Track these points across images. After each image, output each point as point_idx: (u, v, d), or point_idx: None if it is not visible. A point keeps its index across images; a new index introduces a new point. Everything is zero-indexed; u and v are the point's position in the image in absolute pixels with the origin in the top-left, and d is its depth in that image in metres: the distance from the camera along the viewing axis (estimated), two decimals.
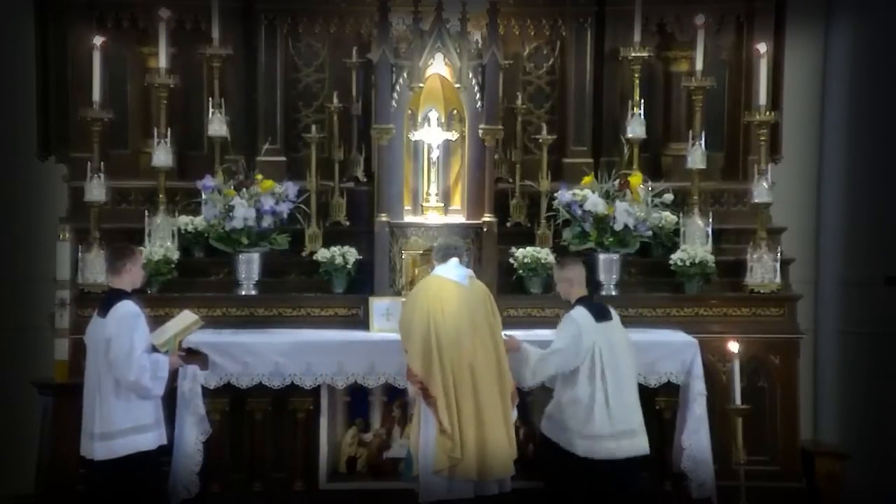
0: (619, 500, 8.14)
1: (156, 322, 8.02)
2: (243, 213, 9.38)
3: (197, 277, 9.60)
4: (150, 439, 7.66)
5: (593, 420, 8.06)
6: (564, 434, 8.17)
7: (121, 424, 7.54)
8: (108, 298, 7.73)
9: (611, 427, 8.06)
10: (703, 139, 9.84)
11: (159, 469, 8.07)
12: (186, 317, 8.13)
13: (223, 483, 8.84)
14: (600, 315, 8.26)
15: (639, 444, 8.19)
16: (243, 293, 9.48)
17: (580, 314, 8.23)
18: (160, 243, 9.41)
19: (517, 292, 9.58)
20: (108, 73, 9.75)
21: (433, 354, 8.01)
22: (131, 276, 7.82)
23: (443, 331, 8.03)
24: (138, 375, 7.50)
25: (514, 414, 8.32)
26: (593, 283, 9.28)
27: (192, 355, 8.06)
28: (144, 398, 7.62)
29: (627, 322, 9.32)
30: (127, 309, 7.60)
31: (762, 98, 9.76)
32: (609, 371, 8.10)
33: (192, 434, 8.54)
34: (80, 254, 9.27)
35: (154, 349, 7.70)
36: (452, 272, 8.28)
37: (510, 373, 8.20)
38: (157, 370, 7.61)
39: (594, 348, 8.11)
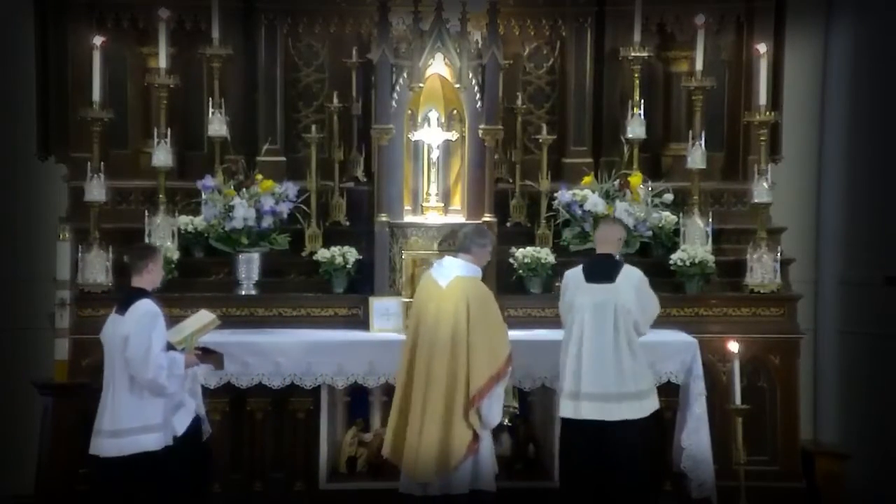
0: (593, 461, 8.03)
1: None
2: (243, 213, 9.39)
3: (197, 277, 9.60)
4: (157, 440, 7.64)
5: (566, 378, 8.03)
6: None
7: (131, 423, 7.53)
8: (127, 297, 7.72)
9: (575, 387, 7.96)
10: (703, 139, 9.82)
11: (163, 469, 8.06)
12: (203, 316, 8.09)
13: (223, 483, 8.83)
14: (596, 276, 8.14)
15: (619, 409, 7.97)
16: (243, 293, 9.47)
17: (571, 272, 8.27)
18: (160, 243, 9.39)
19: (517, 292, 9.56)
20: (108, 73, 9.74)
21: (402, 357, 8.10)
22: (152, 276, 7.83)
23: (411, 334, 8.08)
24: (155, 374, 7.50)
25: (495, 408, 7.96)
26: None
27: (208, 354, 8.05)
28: (159, 395, 7.60)
29: None
30: (146, 308, 7.60)
31: (762, 98, 9.75)
32: (592, 333, 7.98)
33: None
34: (80, 254, 9.27)
35: (170, 347, 7.70)
36: (441, 270, 8.17)
37: (479, 377, 7.87)
38: (173, 368, 7.61)
39: (578, 308, 8.04)
